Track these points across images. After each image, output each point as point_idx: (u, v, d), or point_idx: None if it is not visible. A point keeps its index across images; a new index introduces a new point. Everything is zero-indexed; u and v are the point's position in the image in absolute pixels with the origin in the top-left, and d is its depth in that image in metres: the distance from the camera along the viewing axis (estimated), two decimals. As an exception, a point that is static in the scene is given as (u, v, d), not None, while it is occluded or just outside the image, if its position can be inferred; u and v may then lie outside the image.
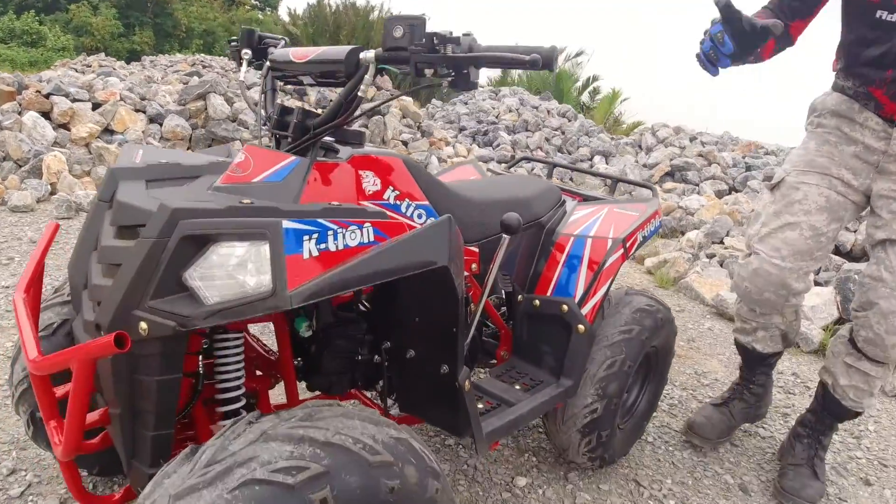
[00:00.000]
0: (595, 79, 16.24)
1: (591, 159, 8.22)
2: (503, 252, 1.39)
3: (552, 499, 1.75)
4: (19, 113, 5.80)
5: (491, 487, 1.76)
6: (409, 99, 9.25)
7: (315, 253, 0.92)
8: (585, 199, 1.94)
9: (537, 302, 1.69)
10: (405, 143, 8.01)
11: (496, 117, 9.30)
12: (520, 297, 1.72)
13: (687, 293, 3.98)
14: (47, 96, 6.18)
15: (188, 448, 0.88)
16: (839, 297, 3.41)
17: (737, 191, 6.60)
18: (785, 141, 8.80)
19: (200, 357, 1.17)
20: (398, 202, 1.27)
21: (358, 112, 1.13)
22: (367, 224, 1.00)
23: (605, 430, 1.69)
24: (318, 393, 1.50)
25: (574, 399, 1.65)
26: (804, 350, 3.22)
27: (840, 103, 1.76)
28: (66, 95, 6.22)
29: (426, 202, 1.35)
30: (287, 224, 0.90)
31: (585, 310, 1.64)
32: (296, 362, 1.36)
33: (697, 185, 6.76)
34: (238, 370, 1.18)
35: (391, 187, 1.26)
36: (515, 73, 16.20)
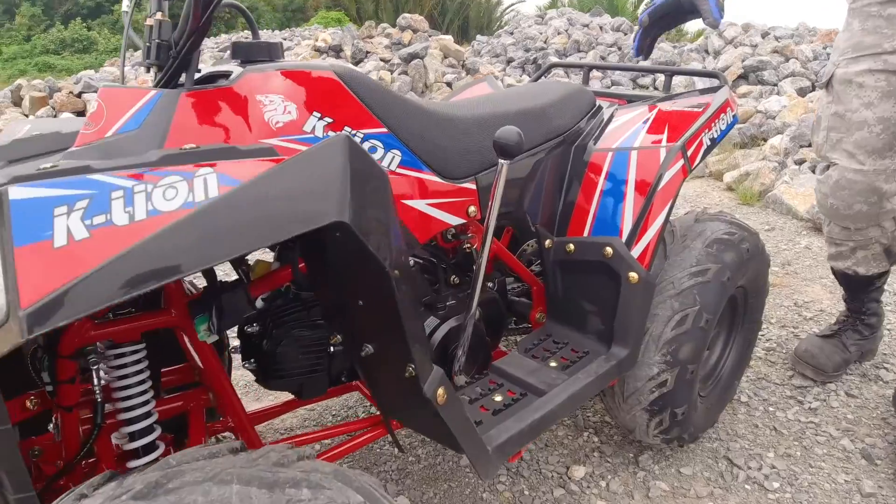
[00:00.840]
0: (651, -13, 14.92)
1: (652, 73, 7.43)
2: (502, 182, 0.99)
3: (618, 492, 1.37)
4: (54, 116, 5.79)
5: (540, 483, 1.40)
6: (449, 37, 8.64)
7: (82, 234, 0.56)
8: (630, 101, 1.48)
9: (571, 246, 1.28)
10: (449, 85, 7.51)
11: (545, 42, 8.58)
12: (548, 241, 1.32)
13: (777, 208, 3.44)
14: (79, 95, 6.13)
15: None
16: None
17: (822, 85, 5.77)
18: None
19: (96, 383, 0.86)
20: (331, 134, 0.89)
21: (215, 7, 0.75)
22: (203, 170, 0.62)
23: (679, 407, 1.29)
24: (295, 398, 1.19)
25: (634, 371, 1.25)
26: (920, 263, 2.64)
27: None
28: (98, 91, 6.15)
29: (383, 129, 0.97)
30: (18, 193, 0.55)
31: (637, 250, 1.22)
32: (246, 364, 1.04)
33: (776, 84, 6.02)
34: (142, 393, 0.87)
35: (317, 113, 0.88)
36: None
